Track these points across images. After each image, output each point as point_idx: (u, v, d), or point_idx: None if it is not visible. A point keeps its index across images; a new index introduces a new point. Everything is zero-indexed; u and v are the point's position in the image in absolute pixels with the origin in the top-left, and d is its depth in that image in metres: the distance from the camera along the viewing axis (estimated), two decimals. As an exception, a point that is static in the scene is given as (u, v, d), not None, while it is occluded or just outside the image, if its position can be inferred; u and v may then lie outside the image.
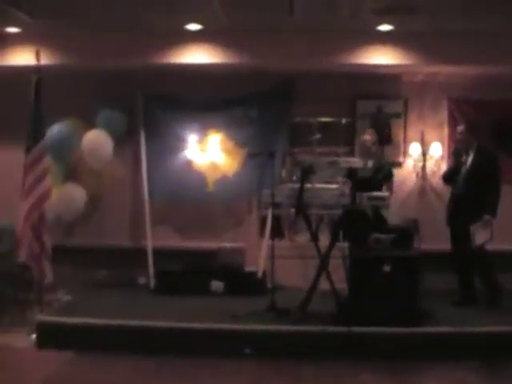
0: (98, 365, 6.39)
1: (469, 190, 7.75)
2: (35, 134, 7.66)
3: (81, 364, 6.44)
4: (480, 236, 7.57)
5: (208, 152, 9.40)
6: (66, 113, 8.95)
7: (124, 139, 9.37)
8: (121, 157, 9.39)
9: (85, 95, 9.19)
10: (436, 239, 8.34)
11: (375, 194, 7.37)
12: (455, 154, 8.19)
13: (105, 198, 9.52)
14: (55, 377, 6.09)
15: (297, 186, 7.17)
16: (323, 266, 7.10)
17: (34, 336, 6.98)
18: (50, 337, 6.88)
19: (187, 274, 8.74)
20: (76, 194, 9.09)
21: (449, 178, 8.19)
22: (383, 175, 8.26)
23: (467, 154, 7.90)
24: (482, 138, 8.00)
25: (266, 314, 7.19)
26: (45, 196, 7.59)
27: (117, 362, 6.45)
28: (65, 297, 8.45)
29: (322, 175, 7.26)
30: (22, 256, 7.55)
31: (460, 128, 8.12)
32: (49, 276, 7.74)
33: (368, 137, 8.55)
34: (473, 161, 7.83)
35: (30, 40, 8.45)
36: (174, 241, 9.45)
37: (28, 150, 7.62)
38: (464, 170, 7.89)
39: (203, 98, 9.36)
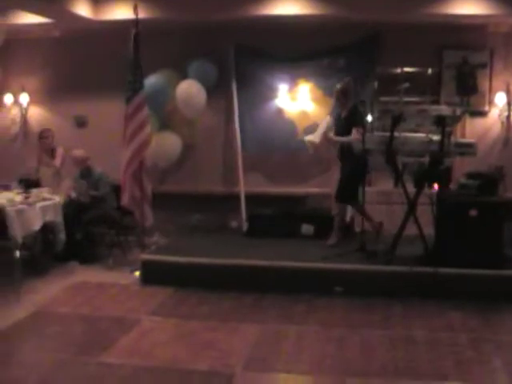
0: (199, 299, 6.82)
1: None
2: (134, 85, 7.98)
3: (182, 298, 6.88)
4: None
5: (298, 101, 9.63)
6: (160, 64, 9.29)
7: (216, 90, 9.64)
8: (213, 107, 9.73)
9: (178, 46, 9.53)
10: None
11: (463, 141, 7.48)
12: None
13: (198, 146, 9.87)
14: (160, 309, 6.56)
15: (387, 133, 7.27)
16: (411, 211, 7.32)
17: (137, 273, 7.48)
18: (153, 274, 7.37)
19: (278, 218, 9.02)
20: (172, 142, 9.49)
21: None
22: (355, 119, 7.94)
23: None
24: None
25: (355, 255, 7.48)
26: (145, 143, 7.96)
27: (216, 297, 6.87)
28: (161, 239, 8.91)
29: (410, 123, 7.37)
30: (125, 201, 7.97)
31: None
32: (149, 220, 8.19)
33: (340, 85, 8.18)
34: None
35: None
36: (264, 187, 9.75)
37: (128, 100, 7.97)
38: None
39: (292, 49, 9.50)
